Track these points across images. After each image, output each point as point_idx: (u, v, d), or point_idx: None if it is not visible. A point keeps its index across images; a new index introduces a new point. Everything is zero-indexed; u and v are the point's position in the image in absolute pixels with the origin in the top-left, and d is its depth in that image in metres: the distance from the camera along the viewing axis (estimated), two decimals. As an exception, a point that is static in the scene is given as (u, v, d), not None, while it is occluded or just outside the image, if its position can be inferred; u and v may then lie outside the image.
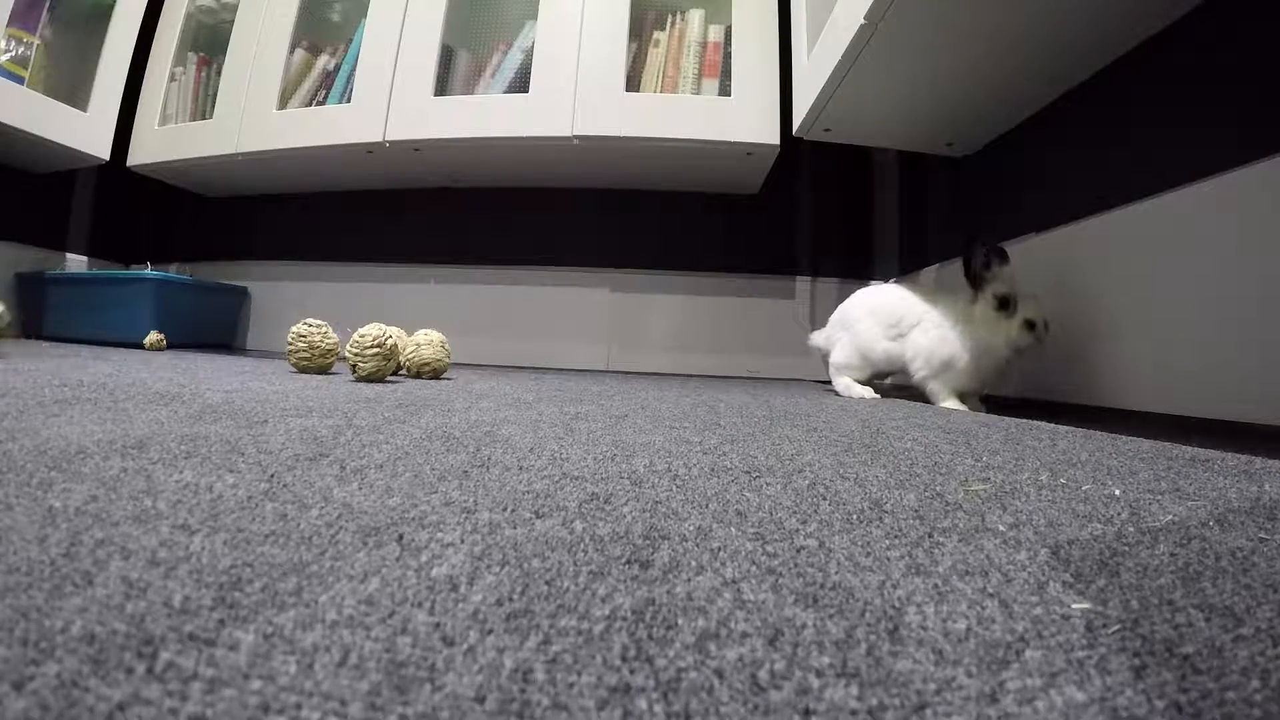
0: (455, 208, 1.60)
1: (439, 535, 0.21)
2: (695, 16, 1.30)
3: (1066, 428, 0.54)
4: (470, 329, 1.52)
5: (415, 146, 1.33)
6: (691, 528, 0.23)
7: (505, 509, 0.24)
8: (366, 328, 0.75)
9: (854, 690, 0.13)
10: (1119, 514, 0.26)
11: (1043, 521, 0.25)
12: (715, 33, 1.30)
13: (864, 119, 1.04)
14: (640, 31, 1.33)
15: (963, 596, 0.18)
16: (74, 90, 1.38)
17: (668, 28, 1.31)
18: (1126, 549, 0.22)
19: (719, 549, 0.21)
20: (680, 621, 0.16)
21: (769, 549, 0.21)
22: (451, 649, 0.14)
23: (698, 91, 1.29)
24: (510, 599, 0.16)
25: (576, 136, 1.24)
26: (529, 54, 1.30)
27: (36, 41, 1.31)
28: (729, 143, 1.23)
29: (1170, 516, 0.26)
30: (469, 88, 1.37)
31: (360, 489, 0.26)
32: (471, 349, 1.51)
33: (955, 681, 0.13)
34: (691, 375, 1.41)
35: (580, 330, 1.52)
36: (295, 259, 1.65)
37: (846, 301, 0.95)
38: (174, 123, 1.53)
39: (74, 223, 1.62)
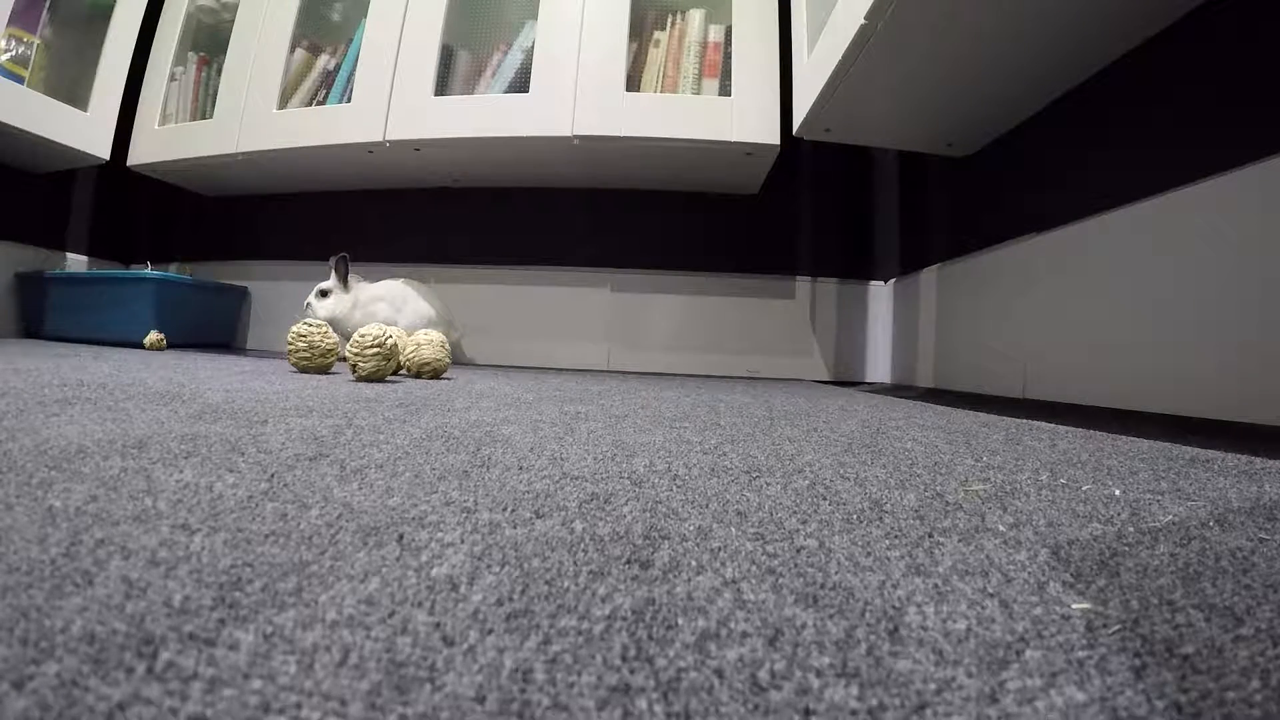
0: (455, 208, 1.59)
1: (439, 535, 0.21)
2: (695, 16, 1.30)
3: (1066, 428, 0.54)
4: (470, 329, 1.52)
5: (415, 146, 1.33)
6: (692, 528, 0.23)
7: (505, 509, 0.24)
8: (366, 328, 0.75)
9: (854, 690, 0.13)
10: (1119, 514, 0.26)
11: (1043, 521, 0.25)
12: (715, 33, 1.30)
13: (864, 119, 1.04)
14: (640, 31, 1.33)
15: (963, 596, 0.18)
16: (74, 90, 1.38)
17: (668, 28, 1.31)
18: (1126, 549, 0.22)
19: (719, 549, 0.21)
20: (680, 621, 0.16)
21: (769, 549, 0.21)
22: (451, 649, 0.14)
23: (698, 91, 1.29)
24: (510, 599, 0.16)
25: (576, 136, 1.24)
26: (529, 54, 1.30)
27: (36, 41, 1.31)
28: (729, 143, 1.23)
29: (1170, 516, 0.26)
30: (469, 88, 1.37)
31: (360, 489, 0.26)
32: (471, 349, 1.51)
33: (955, 681, 0.13)
34: (691, 375, 1.41)
35: (580, 330, 1.52)
36: (295, 259, 1.65)
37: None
38: (174, 122, 1.53)
39: (74, 222, 1.62)
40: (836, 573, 0.19)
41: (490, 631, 0.15)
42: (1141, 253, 0.73)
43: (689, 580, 0.18)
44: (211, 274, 1.68)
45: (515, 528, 0.22)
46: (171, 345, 1.29)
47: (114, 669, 0.12)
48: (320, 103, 1.41)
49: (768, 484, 0.30)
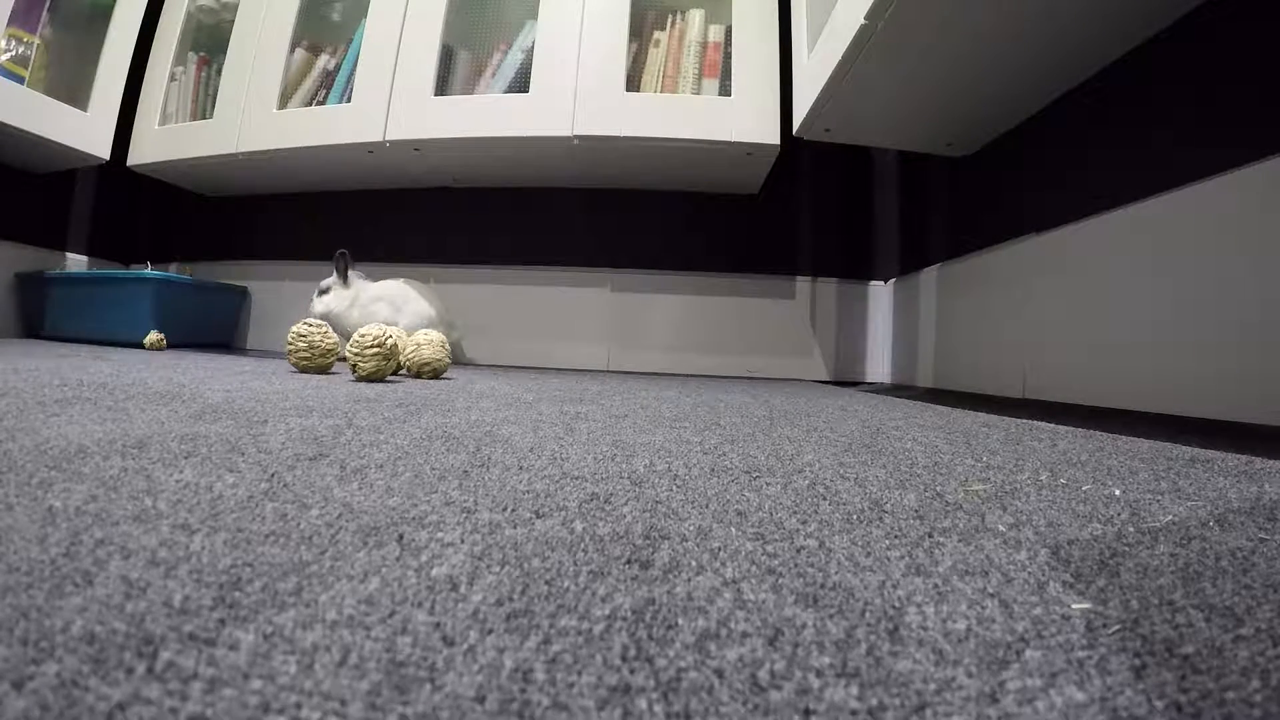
0: (455, 208, 1.59)
1: (439, 535, 0.21)
2: (695, 16, 1.30)
3: (1066, 428, 0.54)
4: (470, 329, 1.52)
5: (415, 146, 1.33)
6: (692, 528, 0.23)
7: (505, 509, 0.24)
8: (366, 327, 0.75)
9: (854, 690, 0.13)
10: (1119, 514, 0.26)
11: (1043, 521, 0.25)
12: (715, 33, 1.30)
13: (864, 119, 1.04)
14: (640, 31, 1.32)
15: (963, 596, 0.18)
16: (74, 90, 1.38)
17: (668, 28, 1.31)
18: (1126, 549, 0.22)
19: (719, 549, 0.21)
20: (680, 621, 0.16)
21: (769, 549, 0.21)
22: (451, 649, 0.14)
23: (698, 91, 1.29)
24: (510, 599, 0.16)
25: (576, 136, 1.24)
26: (529, 54, 1.30)
27: (36, 41, 1.31)
28: (729, 143, 1.23)
29: (1170, 516, 0.26)
30: (469, 88, 1.37)
31: (360, 489, 0.26)
32: (471, 349, 1.51)
33: (955, 681, 0.13)
34: (691, 375, 1.41)
35: (580, 330, 1.52)
36: (295, 259, 1.65)
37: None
38: (174, 122, 1.53)
39: (74, 222, 1.62)
40: (836, 573, 0.19)
41: (490, 631, 0.15)
42: (1141, 253, 0.73)
43: (689, 580, 0.18)
44: (211, 274, 1.67)
45: (515, 528, 0.22)
46: (171, 345, 1.29)
47: (114, 669, 0.12)
48: (320, 103, 1.41)
49: (768, 484, 0.30)
